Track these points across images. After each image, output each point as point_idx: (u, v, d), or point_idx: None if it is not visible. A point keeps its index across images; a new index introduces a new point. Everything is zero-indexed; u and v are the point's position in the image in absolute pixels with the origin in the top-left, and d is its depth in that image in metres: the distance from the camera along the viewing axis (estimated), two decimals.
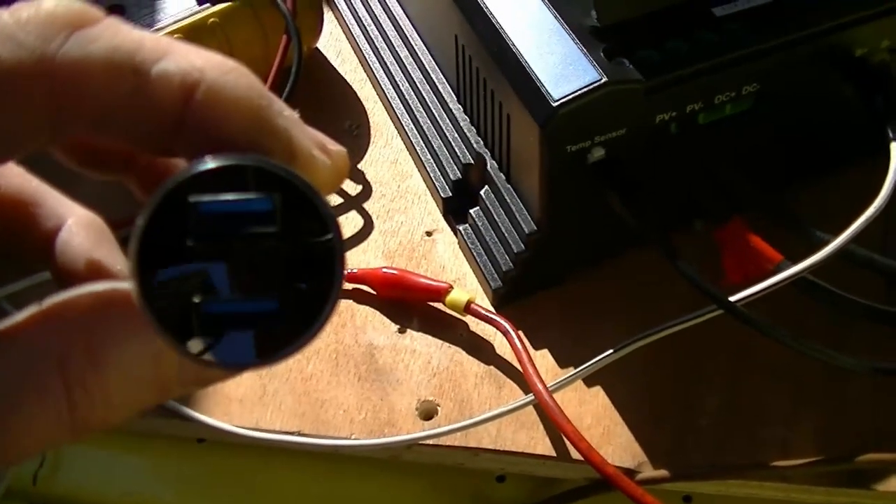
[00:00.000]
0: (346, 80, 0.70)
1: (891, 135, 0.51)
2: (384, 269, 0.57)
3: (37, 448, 0.23)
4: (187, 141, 0.23)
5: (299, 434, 0.52)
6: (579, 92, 0.47)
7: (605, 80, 0.47)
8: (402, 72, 0.66)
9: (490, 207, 0.56)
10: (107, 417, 0.24)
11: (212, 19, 0.62)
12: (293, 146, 0.25)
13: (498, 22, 0.52)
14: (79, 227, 0.30)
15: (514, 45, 0.51)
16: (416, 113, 0.64)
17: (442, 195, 0.60)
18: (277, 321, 0.23)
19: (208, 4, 0.62)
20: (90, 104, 0.23)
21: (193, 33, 0.62)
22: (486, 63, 0.54)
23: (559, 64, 0.49)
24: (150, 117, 0.24)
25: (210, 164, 0.22)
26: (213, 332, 0.22)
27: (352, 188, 0.63)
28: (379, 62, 0.69)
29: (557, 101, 0.47)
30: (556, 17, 0.51)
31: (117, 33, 0.24)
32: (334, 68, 0.71)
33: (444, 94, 0.62)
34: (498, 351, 0.54)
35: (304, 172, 0.23)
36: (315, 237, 0.22)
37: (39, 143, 0.24)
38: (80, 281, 0.29)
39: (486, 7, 0.53)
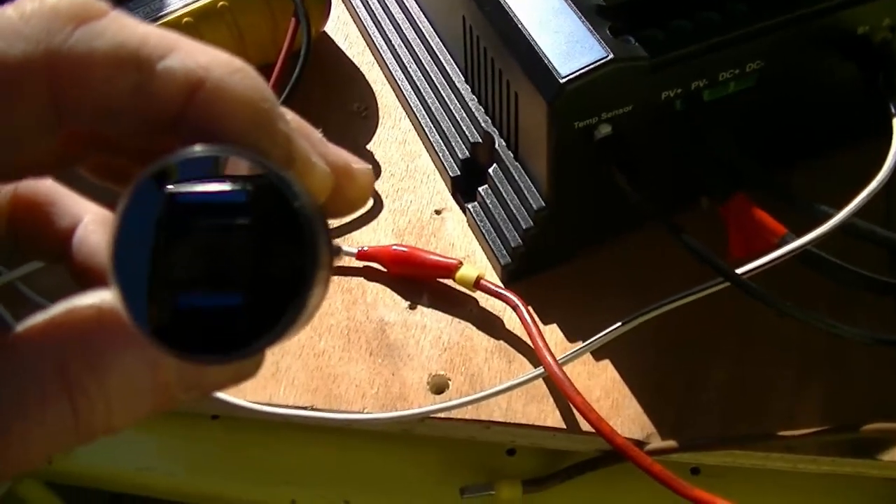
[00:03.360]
0: (354, 63, 0.71)
1: (893, 111, 0.51)
2: (394, 247, 0.58)
3: (43, 452, 0.24)
4: (186, 136, 0.23)
5: (312, 409, 0.53)
6: (586, 69, 0.48)
7: (611, 57, 0.48)
8: (410, 53, 0.67)
9: (498, 185, 0.57)
10: (109, 423, 0.24)
11: (221, 3, 0.63)
12: (291, 150, 0.25)
13: (505, 1, 0.53)
14: (95, 225, 0.31)
15: (521, 24, 0.51)
16: (423, 94, 0.65)
17: (450, 174, 0.61)
18: (253, 314, 0.22)
19: None
20: (94, 98, 0.23)
21: (203, 17, 0.63)
22: (493, 42, 0.55)
23: (566, 42, 0.49)
24: (153, 112, 0.24)
25: (182, 155, 0.22)
26: (190, 326, 0.22)
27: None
28: (386, 44, 0.69)
29: (565, 77, 0.48)
30: None
31: (123, 28, 0.24)
32: (342, 51, 0.72)
33: (451, 75, 0.63)
34: (507, 325, 0.55)
35: (301, 177, 0.24)
36: (291, 232, 0.22)
37: (45, 139, 0.24)
38: (97, 278, 0.29)
39: None
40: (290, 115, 0.26)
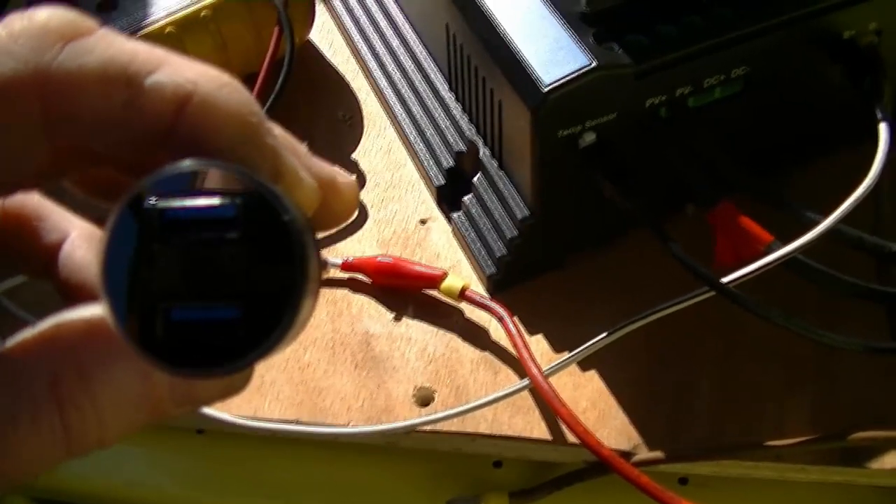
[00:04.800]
0: (338, 71, 0.70)
1: (879, 115, 0.51)
2: (379, 258, 0.57)
3: (34, 468, 0.24)
4: (176, 151, 0.23)
5: (297, 423, 0.52)
6: (570, 77, 0.48)
7: (595, 64, 0.48)
8: (394, 62, 0.67)
9: (483, 194, 0.56)
10: (101, 437, 0.24)
11: (204, 12, 0.62)
12: (279, 165, 0.25)
13: (488, 9, 0.52)
14: (81, 240, 0.31)
15: (504, 31, 0.51)
16: (408, 102, 0.64)
17: (435, 183, 0.60)
18: (243, 327, 0.22)
19: None
20: (84, 115, 0.23)
21: (186, 26, 0.62)
22: (477, 51, 0.54)
23: (549, 50, 0.49)
24: (143, 127, 0.24)
25: (170, 170, 0.22)
26: (181, 340, 0.22)
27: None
28: (371, 53, 0.69)
29: (548, 86, 0.47)
30: (545, 3, 0.51)
31: (111, 45, 0.24)
32: (327, 60, 0.71)
33: (435, 83, 0.63)
34: (493, 337, 0.55)
35: (289, 191, 0.24)
36: (280, 245, 0.22)
37: (36, 155, 0.24)
38: (82, 293, 0.29)
39: None
40: (277, 130, 0.26)
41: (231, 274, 0.22)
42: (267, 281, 0.22)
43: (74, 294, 0.30)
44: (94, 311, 0.24)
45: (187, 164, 0.22)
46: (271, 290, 0.22)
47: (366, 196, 0.62)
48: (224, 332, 0.22)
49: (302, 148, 0.27)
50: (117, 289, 0.22)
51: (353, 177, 0.26)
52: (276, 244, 0.22)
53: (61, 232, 0.31)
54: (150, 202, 0.22)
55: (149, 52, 0.24)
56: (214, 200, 0.22)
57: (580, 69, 0.48)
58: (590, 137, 0.50)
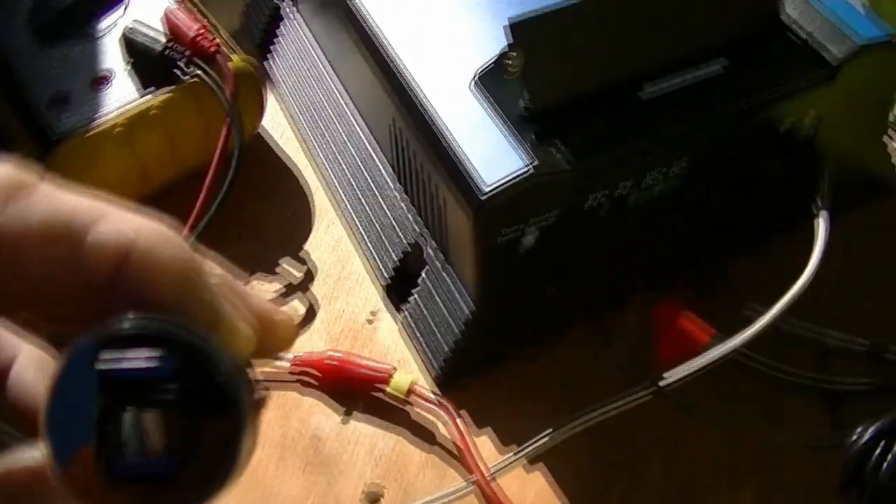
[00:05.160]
0: (289, 164, 0.70)
1: (818, 205, 0.52)
2: (329, 353, 0.57)
3: None
4: (117, 302, 0.24)
5: None
6: (508, 183, 0.48)
7: (533, 168, 0.48)
8: (343, 156, 0.67)
9: (431, 288, 0.57)
10: None
11: (153, 111, 0.62)
12: (216, 317, 0.25)
13: (432, 107, 0.53)
14: (28, 369, 0.31)
15: (446, 131, 0.51)
16: (356, 197, 0.65)
17: (384, 277, 0.61)
18: (186, 475, 0.23)
19: (150, 96, 0.63)
20: (26, 272, 0.24)
21: (135, 124, 0.62)
22: (421, 148, 0.55)
23: (490, 151, 0.50)
24: (83, 283, 0.24)
25: (109, 331, 0.23)
26: (123, 485, 0.23)
27: (295, 273, 0.63)
28: (319, 146, 0.69)
29: (486, 193, 0.48)
30: (488, 102, 0.52)
31: (52, 202, 0.24)
32: (276, 154, 0.71)
33: (385, 176, 0.63)
34: (441, 432, 0.55)
35: (225, 341, 0.24)
36: (217, 396, 0.23)
37: None
38: (32, 420, 0.30)
39: (421, 93, 0.54)
40: (217, 271, 0.26)
41: (171, 425, 0.23)
42: (206, 430, 0.23)
43: (25, 418, 0.30)
44: (39, 455, 0.24)
45: (126, 325, 0.23)
46: (210, 438, 0.23)
47: (315, 290, 0.62)
48: (167, 479, 0.23)
49: (240, 286, 0.28)
50: (60, 441, 0.23)
51: (291, 316, 0.27)
52: (214, 394, 0.23)
53: (8, 361, 0.31)
54: (91, 362, 0.23)
55: (89, 208, 0.24)
56: (152, 364, 0.23)
57: (519, 173, 0.48)
58: (530, 239, 0.50)
